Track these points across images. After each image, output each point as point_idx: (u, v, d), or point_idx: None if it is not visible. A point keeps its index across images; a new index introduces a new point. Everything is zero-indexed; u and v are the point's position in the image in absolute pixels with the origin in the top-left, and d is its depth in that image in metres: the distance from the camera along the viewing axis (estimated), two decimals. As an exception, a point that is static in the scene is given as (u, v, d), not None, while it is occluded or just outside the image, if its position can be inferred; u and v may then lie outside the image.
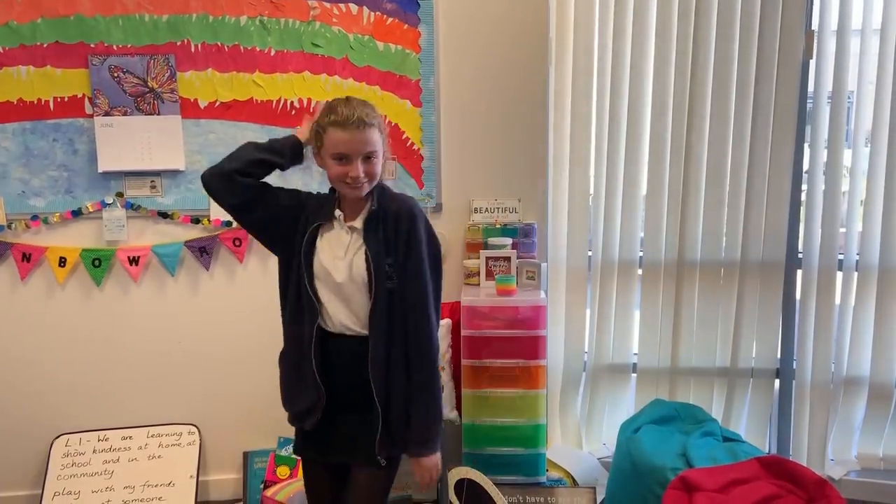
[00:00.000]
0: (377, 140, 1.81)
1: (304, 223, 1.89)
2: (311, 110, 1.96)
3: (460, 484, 2.70)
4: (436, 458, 1.86)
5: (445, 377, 2.84)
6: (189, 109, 2.87)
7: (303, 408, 1.90)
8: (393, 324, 1.83)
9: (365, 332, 1.84)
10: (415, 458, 1.86)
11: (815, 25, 2.88)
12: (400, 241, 1.82)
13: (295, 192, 1.95)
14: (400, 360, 1.84)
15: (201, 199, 2.93)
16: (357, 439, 1.88)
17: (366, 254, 1.82)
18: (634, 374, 3.20)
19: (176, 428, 3.02)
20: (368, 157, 1.80)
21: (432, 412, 1.85)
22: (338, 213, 1.87)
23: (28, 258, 2.90)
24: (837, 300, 2.99)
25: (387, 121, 2.94)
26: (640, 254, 3.10)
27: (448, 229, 3.03)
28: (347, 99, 1.82)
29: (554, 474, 2.93)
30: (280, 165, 1.90)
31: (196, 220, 2.94)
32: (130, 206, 2.92)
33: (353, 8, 2.87)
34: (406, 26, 2.90)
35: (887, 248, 2.91)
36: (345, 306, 1.85)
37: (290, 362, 1.94)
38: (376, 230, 1.84)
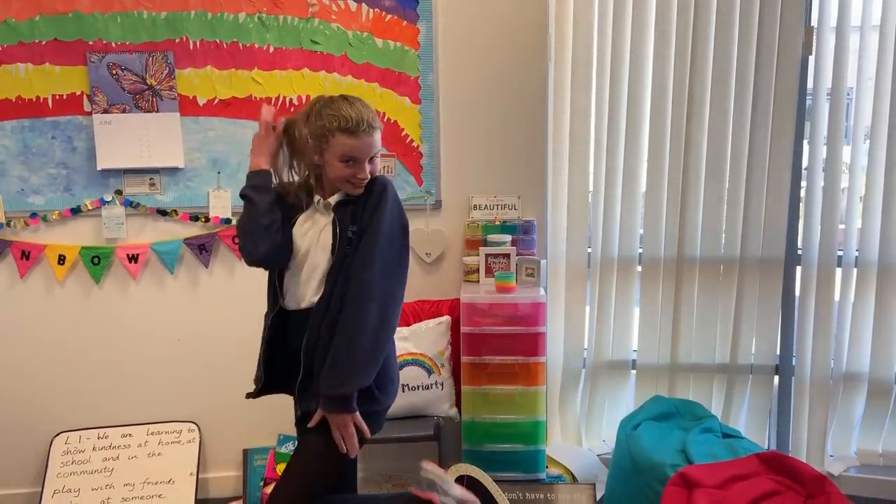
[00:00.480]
0: (379, 141, 1.93)
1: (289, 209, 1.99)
2: (272, 128, 1.99)
3: (460, 481, 2.70)
4: (346, 418, 1.85)
5: (445, 374, 2.84)
6: (188, 107, 2.87)
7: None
8: (344, 287, 1.88)
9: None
10: (327, 414, 1.86)
11: (814, 22, 2.88)
12: (366, 212, 1.89)
13: (278, 199, 1.99)
14: (334, 320, 1.87)
15: (200, 197, 2.93)
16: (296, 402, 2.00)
17: (333, 222, 1.91)
18: (634, 371, 3.20)
19: (176, 425, 3.02)
20: (372, 158, 1.91)
21: (346, 369, 1.82)
22: (317, 199, 1.96)
23: (27, 256, 2.90)
24: (837, 296, 2.99)
25: (385, 118, 2.94)
26: (640, 250, 3.11)
27: (447, 226, 3.03)
28: (349, 101, 1.89)
29: (553, 471, 2.94)
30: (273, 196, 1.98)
31: (195, 218, 2.94)
32: (129, 204, 2.92)
33: (352, 5, 2.86)
34: (405, 23, 2.89)
35: (886, 245, 2.91)
36: (304, 275, 1.94)
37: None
38: (346, 204, 1.93)
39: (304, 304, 1.94)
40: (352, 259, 1.87)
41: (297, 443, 2.06)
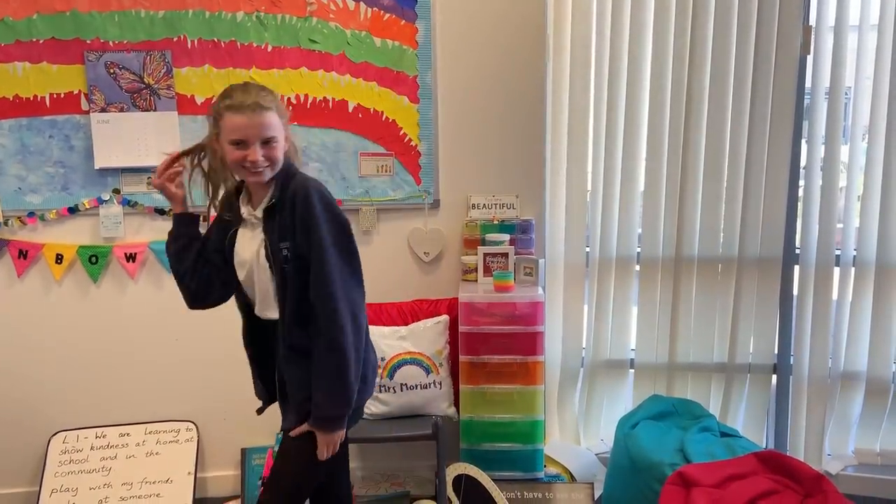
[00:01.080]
0: (276, 124, 1.79)
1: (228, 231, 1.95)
2: (171, 166, 1.94)
3: (458, 480, 2.70)
4: (336, 436, 1.84)
5: (443, 373, 2.84)
6: (186, 105, 2.86)
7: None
8: (295, 306, 1.82)
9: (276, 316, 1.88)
10: (317, 432, 1.84)
11: (812, 21, 2.88)
12: (298, 226, 1.78)
13: (216, 220, 1.97)
14: (302, 342, 1.83)
15: (198, 196, 2.91)
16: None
17: (264, 241, 1.84)
18: (632, 370, 3.20)
19: (174, 425, 3.02)
20: (267, 142, 1.78)
21: (338, 394, 1.79)
22: (244, 210, 1.90)
23: (24, 255, 2.90)
24: (835, 296, 3.00)
25: (383, 116, 2.93)
26: (638, 250, 3.11)
27: (445, 225, 3.02)
28: (245, 84, 1.82)
29: (552, 470, 2.94)
30: (194, 237, 1.96)
31: (193, 217, 2.94)
32: (127, 203, 2.91)
33: (351, 4, 2.86)
34: (403, 22, 2.89)
35: (884, 244, 2.91)
36: (259, 293, 1.91)
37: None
38: (273, 217, 1.82)
39: (274, 316, 1.89)
40: (296, 280, 1.79)
41: (281, 443, 2.01)
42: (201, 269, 1.94)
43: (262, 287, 1.89)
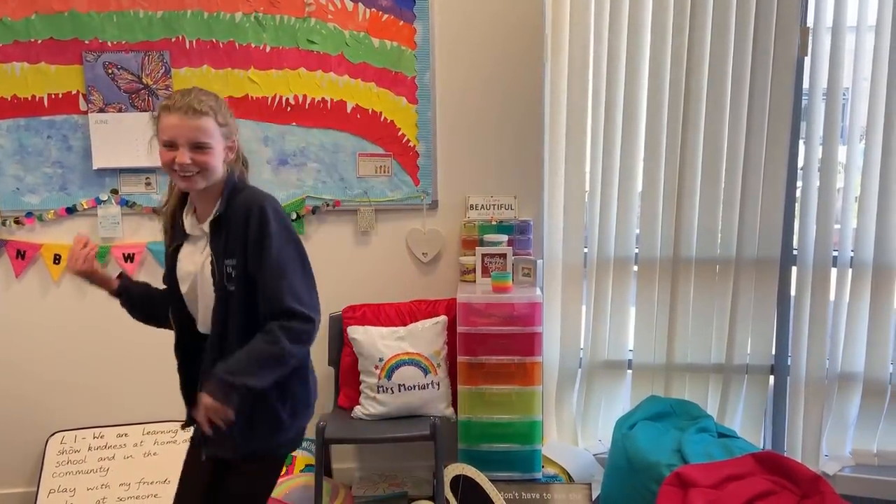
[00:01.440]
0: (211, 130, 1.74)
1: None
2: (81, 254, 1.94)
3: (456, 480, 2.70)
4: (219, 408, 1.66)
5: (441, 374, 2.85)
6: (184, 106, 2.86)
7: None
8: (242, 321, 1.77)
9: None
10: (207, 397, 1.69)
11: (810, 22, 2.88)
12: (250, 243, 1.73)
13: (165, 240, 1.96)
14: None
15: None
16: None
17: (210, 256, 1.79)
18: (630, 371, 3.20)
19: (171, 425, 3.02)
20: (199, 147, 1.73)
21: (247, 371, 1.69)
22: (187, 223, 1.86)
23: (22, 255, 2.90)
24: (832, 297, 3.00)
25: (381, 117, 2.94)
26: (636, 250, 3.11)
27: (444, 226, 3.03)
28: (191, 88, 1.78)
29: (550, 470, 2.94)
30: (144, 292, 2.03)
31: (191, 217, 2.94)
32: (125, 203, 2.91)
33: (349, 4, 2.86)
34: (402, 23, 2.89)
35: (882, 245, 2.91)
36: (203, 308, 1.87)
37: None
38: (219, 232, 1.78)
39: (205, 329, 1.87)
40: (242, 297, 1.75)
41: (208, 484, 1.91)
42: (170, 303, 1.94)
43: (205, 302, 1.84)
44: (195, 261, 1.84)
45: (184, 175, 1.74)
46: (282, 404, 1.82)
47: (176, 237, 1.89)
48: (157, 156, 1.79)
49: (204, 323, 1.87)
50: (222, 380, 1.67)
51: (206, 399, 1.67)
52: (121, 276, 2.02)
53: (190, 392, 1.91)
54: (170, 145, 1.73)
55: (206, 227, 1.81)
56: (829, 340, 3.01)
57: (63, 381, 2.99)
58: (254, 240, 1.73)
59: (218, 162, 1.77)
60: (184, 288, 1.87)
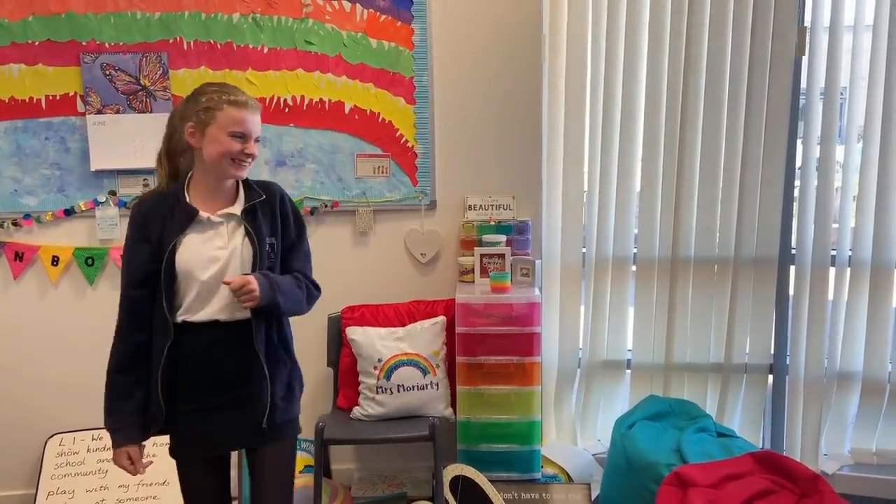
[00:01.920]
0: (260, 125, 1.91)
1: (159, 241, 1.85)
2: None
3: (455, 481, 2.70)
4: (254, 286, 1.80)
5: (440, 374, 2.85)
6: (182, 107, 2.86)
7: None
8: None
9: (237, 317, 1.87)
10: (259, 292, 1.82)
11: (807, 22, 2.88)
12: (289, 222, 1.96)
13: (138, 238, 1.88)
14: (275, 336, 1.93)
15: (195, 198, 2.92)
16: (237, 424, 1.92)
17: (248, 234, 1.88)
18: (629, 371, 3.20)
19: (170, 426, 3.01)
20: (257, 140, 1.89)
21: (290, 290, 1.90)
22: (203, 215, 1.86)
23: (20, 257, 2.89)
24: (830, 296, 3.00)
25: (379, 118, 2.94)
26: (634, 250, 3.11)
27: (442, 226, 3.03)
28: (225, 84, 1.89)
29: (549, 470, 2.94)
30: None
31: (189, 219, 2.93)
32: (123, 205, 2.91)
33: (346, 5, 2.86)
34: (399, 23, 2.89)
35: (880, 244, 2.92)
36: (224, 295, 1.86)
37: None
38: (255, 215, 1.90)
39: (245, 316, 1.87)
40: (280, 269, 1.93)
41: (251, 460, 2.00)
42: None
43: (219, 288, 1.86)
44: (220, 244, 1.86)
45: (242, 164, 1.86)
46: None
47: (170, 233, 1.85)
48: (199, 141, 1.84)
49: (231, 311, 1.87)
50: (273, 283, 1.85)
51: (251, 279, 1.81)
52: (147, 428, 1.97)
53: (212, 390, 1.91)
54: (241, 137, 1.84)
55: (236, 210, 1.89)
56: (827, 339, 3.01)
57: (61, 382, 2.99)
58: (297, 220, 1.99)
59: None
60: (204, 275, 1.84)
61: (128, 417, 1.90)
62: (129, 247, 1.88)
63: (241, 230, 1.88)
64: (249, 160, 1.87)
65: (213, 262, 1.85)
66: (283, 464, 2.00)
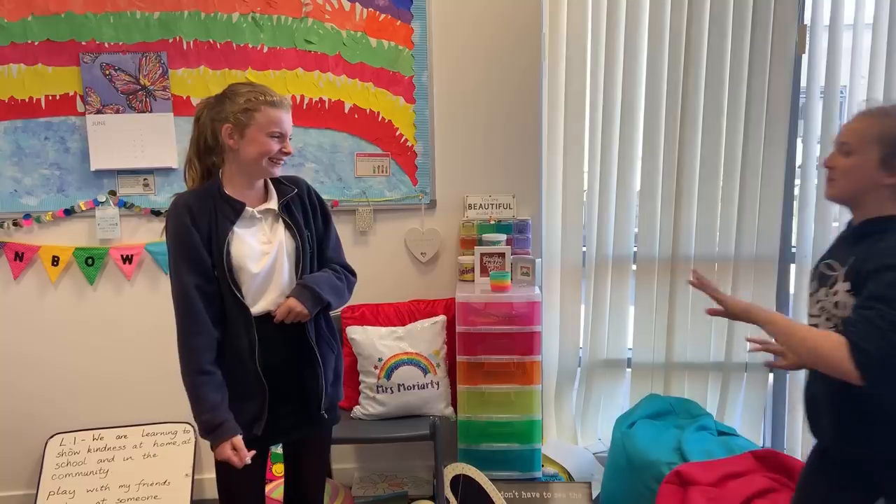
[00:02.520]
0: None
1: (209, 237, 1.85)
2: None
3: (456, 480, 2.70)
4: (300, 308, 1.87)
5: (441, 374, 2.85)
6: (181, 107, 2.86)
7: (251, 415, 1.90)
8: None
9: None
10: (296, 302, 1.88)
11: (807, 20, 2.88)
12: (317, 213, 2.02)
13: (190, 236, 1.84)
14: (323, 324, 1.99)
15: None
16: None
17: (289, 228, 1.93)
18: (629, 370, 3.20)
19: (171, 426, 3.01)
20: (289, 139, 1.93)
21: (336, 291, 1.97)
22: (249, 210, 1.89)
23: (20, 257, 2.89)
24: (830, 294, 3.00)
25: (379, 117, 2.94)
26: (635, 249, 3.11)
27: (442, 226, 3.03)
28: (255, 83, 1.91)
29: (549, 469, 2.94)
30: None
31: (189, 218, 2.93)
32: (123, 205, 2.91)
33: (346, 4, 2.86)
34: (399, 22, 2.89)
35: (880, 242, 2.91)
36: (276, 286, 1.90)
37: (226, 371, 1.88)
38: (292, 209, 1.96)
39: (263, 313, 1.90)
40: (313, 265, 1.98)
41: (291, 445, 2.05)
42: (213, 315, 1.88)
43: (280, 277, 1.91)
44: (265, 239, 1.90)
45: (279, 163, 1.91)
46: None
47: (222, 226, 1.84)
48: (238, 142, 1.86)
49: (275, 301, 1.90)
50: (315, 291, 1.90)
51: (293, 302, 1.87)
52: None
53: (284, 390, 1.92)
54: (279, 136, 1.88)
55: (273, 205, 1.93)
56: (827, 338, 3.01)
57: (62, 382, 2.99)
58: (323, 210, 2.04)
59: None
60: (256, 268, 1.86)
61: (226, 409, 1.84)
62: (184, 238, 1.82)
63: (281, 224, 1.93)
64: (285, 158, 1.91)
65: (263, 255, 1.89)
66: (323, 449, 2.10)
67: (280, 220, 1.93)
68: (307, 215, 1.99)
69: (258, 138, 1.84)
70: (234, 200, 1.88)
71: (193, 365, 1.82)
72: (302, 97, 2.89)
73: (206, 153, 1.92)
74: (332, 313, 2.04)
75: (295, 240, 1.93)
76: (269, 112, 1.84)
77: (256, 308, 1.88)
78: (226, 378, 1.86)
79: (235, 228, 1.86)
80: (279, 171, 1.94)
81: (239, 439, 1.82)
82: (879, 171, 1.60)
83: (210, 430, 1.82)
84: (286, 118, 1.88)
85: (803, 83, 2.93)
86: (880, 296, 1.48)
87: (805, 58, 2.90)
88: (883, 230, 1.58)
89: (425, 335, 2.86)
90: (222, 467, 1.87)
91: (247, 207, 1.89)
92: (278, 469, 2.93)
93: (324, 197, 2.90)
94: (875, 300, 1.49)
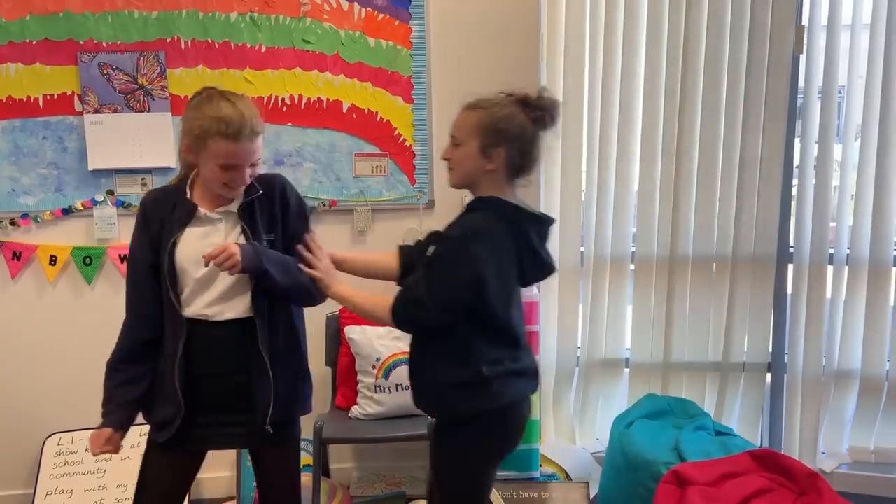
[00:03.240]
0: (261, 144, 1.82)
1: (159, 236, 1.84)
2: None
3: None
4: (235, 253, 1.73)
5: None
6: (179, 106, 2.85)
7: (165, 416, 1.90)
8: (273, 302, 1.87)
9: (242, 315, 1.84)
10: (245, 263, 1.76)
11: (805, 20, 2.89)
12: (289, 213, 1.90)
13: (140, 234, 1.87)
14: (291, 338, 1.91)
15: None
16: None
17: (244, 232, 1.83)
18: (627, 369, 3.20)
19: (169, 426, 3.01)
20: (254, 164, 1.81)
21: (282, 264, 1.83)
22: (201, 211, 1.84)
23: (18, 257, 2.89)
24: (828, 294, 3.01)
25: (377, 117, 2.93)
26: (633, 249, 3.11)
27: (441, 225, 2.98)
28: (231, 100, 1.76)
29: (547, 469, 2.94)
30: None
31: (187, 218, 2.93)
32: (121, 204, 2.91)
33: (344, 4, 2.86)
34: (397, 22, 2.89)
35: (877, 243, 2.92)
36: (219, 292, 1.83)
37: (158, 369, 1.90)
38: (254, 212, 1.85)
39: (231, 315, 1.84)
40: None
41: (255, 463, 2.01)
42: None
43: (221, 284, 1.83)
44: (217, 242, 1.80)
45: (234, 189, 1.84)
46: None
47: (171, 226, 1.83)
48: (196, 159, 1.83)
49: (219, 309, 1.84)
50: (259, 252, 1.79)
51: (232, 246, 1.74)
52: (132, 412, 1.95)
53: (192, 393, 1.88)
54: (233, 167, 1.80)
55: (232, 208, 1.85)
56: (825, 338, 3.01)
57: (59, 382, 2.99)
58: (299, 210, 1.94)
59: None
60: (197, 273, 1.82)
61: (123, 406, 1.90)
62: (133, 239, 1.88)
63: (238, 227, 1.85)
64: (243, 185, 1.81)
65: (201, 262, 1.81)
66: (285, 468, 1.99)
67: (239, 223, 1.84)
68: (274, 217, 1.88)
69: (209, 165, 1.77)
70: (188, 201, 1.84)
71: (111, 357, 1.96)
72: (300, 97, 2.89)
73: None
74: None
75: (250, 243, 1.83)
76: (220, 145, 1.73)
77: (190, 311, 1.83)
78: (155, 376, 1.90)
79: (187, 229, 1.83)
80: (237, 194, 1.83)
81: (117, 437, 1.91)
82: (481, 159, 1.79)
83: (102, 414, 1.92)
84: (242, 149, 1.74)
85: (801, 83, 2.93)
86: (429, 262, 1.77)
87: (803, 58, 2.90)
88: (473, 209, 1.82)
89: (423, 335, 2.86)
90: (146, 458, 1.97)
91: (199, 209, 1.83)
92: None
93: (322, 197, 2.92)
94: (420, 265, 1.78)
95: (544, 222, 1.88)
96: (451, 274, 1.72)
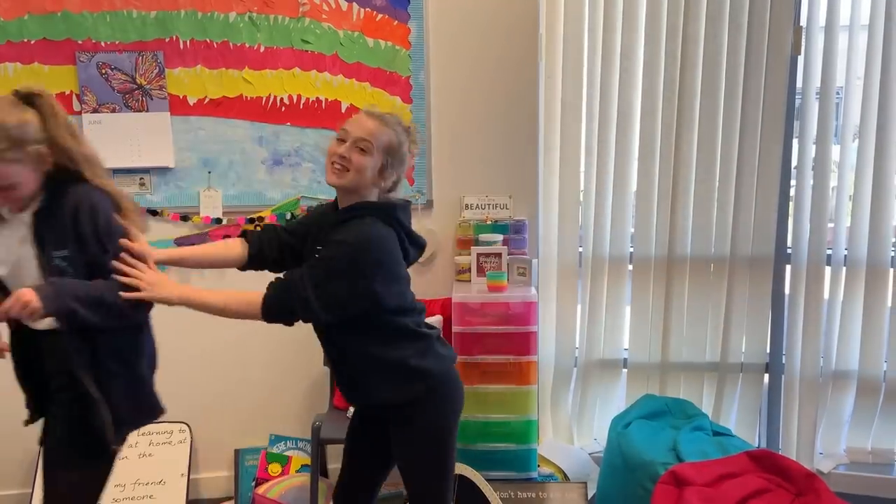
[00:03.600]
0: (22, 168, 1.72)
1: None
2: None
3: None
4: (33, 300, 1.58)
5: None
6: (178, 106, 2.86)
7: None
8: None
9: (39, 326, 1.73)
10: (43, 303, 1.61)
11: (803, 21, 2.89)
12: (88, 245, 1.70)
13: None
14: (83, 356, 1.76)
15: (191, 197, 2.92)
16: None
17: (33, 243, 1.69)
18: (625, 370, 3.21)
19: (167, 426, 3.01)
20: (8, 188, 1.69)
21: (88, 294, 1.67)
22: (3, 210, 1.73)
23: (16, 256, 2.88)
24: (826, 295, 3.01)
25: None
26: (631, 249, 3.11)
27: (439, 226, 3.02)
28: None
29: (545, 470, 2.94)
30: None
31: (185, 218, 2.93)
32: (119, 204, 2.90)
33: (343, 4, 2.86)
34: (396, 22, 2.89)
35: (875, 243, 2.93)
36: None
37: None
38: (45, 219, 1.69)
39: (42, 326, 1.72)
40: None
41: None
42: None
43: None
44: (4, 251, 1.73)
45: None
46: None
47: None
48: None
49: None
50: (59, 289, 1.63)
51: (28, 293, 1.58)
52: None
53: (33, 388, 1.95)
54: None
55: (26, 216, 1.72)
56: (823, 338, 3.02)
57: (57, 382, 2.98)
58: (93, 232, 1.74)
59: (26, 175, 1.75)
60: (3, 271, 1.75)
61: None
62: None
63: (28, 238, 1.72)
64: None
65: (2, 262, 1.74)
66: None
67: (31, 231, 1.69)
68: (65, 233, 1.68)
69: None
70: None
71: None
72: (299, 97, 2.89)
73: None
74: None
75: (40, 265, 1.67)
76: None
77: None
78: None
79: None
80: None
81: None
82: (377, 176, 1.88)
83: None
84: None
85: (799, 84, 2.93)
86: (312, 264, 1.82)
87: (801, 59, 2.91)
88: (361, 216, 1.87)
89: (421, 335, 2.86)
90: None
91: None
92: (274, 469, 2.93)
93: (320, 197, 2.93)
94: (308, 266, 1.82)
95: (409, 205, 2.02)
96: (344, 283, 1.79)
